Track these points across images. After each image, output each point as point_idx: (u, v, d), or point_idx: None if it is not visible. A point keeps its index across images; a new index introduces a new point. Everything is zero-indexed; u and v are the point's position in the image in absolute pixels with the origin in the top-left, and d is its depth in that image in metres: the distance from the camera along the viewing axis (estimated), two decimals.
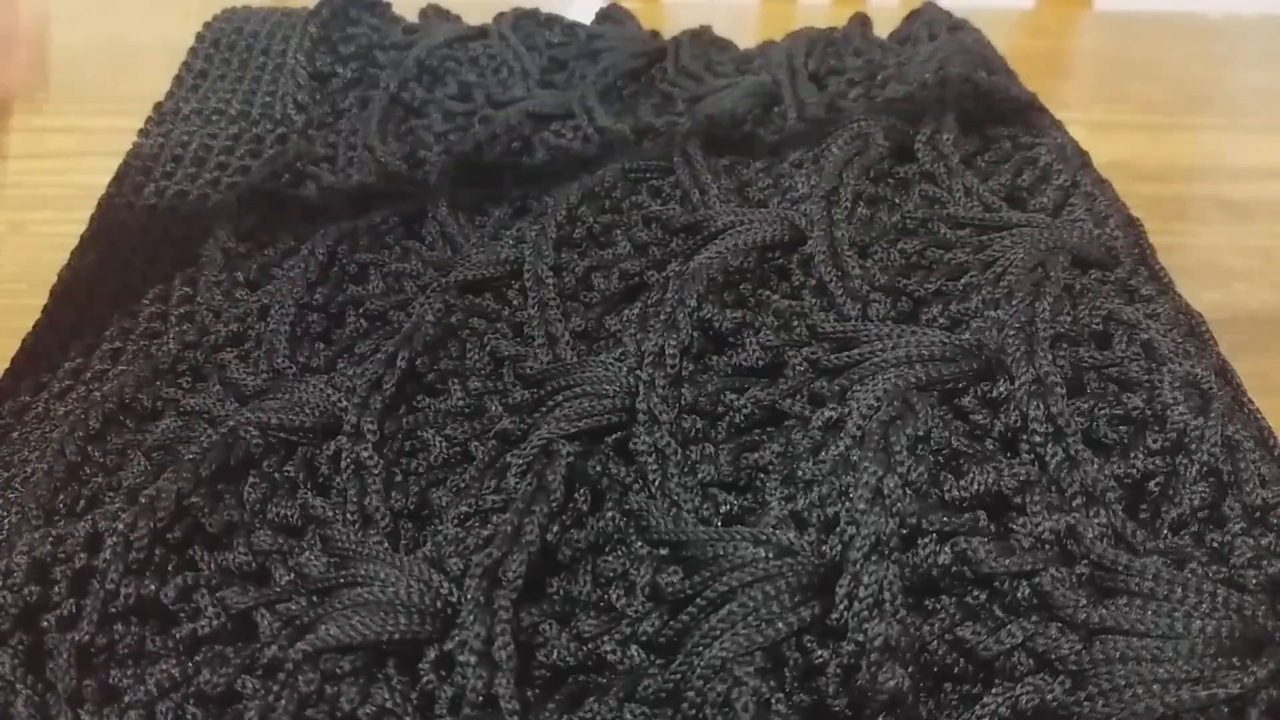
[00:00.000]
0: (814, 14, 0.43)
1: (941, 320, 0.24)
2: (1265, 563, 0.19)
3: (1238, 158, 0.51)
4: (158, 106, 0.39)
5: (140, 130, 0.37)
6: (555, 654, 0.20)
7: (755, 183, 0.31)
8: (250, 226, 0.32)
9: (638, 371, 0.24)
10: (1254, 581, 0.19)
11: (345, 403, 0.24)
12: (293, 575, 0.21)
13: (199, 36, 0.43)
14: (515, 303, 0.28)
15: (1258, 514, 0.20)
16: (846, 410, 0.22)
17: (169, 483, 0.21)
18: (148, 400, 0.25)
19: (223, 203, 0.33)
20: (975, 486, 0.20)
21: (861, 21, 0.42)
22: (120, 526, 0.20)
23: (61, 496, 0.22)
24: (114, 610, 0.20)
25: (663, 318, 0.25)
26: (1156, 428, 0.22)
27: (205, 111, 0.38)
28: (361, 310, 0.28)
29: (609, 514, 0.22)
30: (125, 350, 0.28)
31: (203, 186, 0.35)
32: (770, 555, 0.19)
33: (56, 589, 0.20)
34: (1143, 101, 0.57)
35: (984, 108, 0.34)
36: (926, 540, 0.20)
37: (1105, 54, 0.66)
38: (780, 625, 0.19)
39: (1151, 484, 0.21)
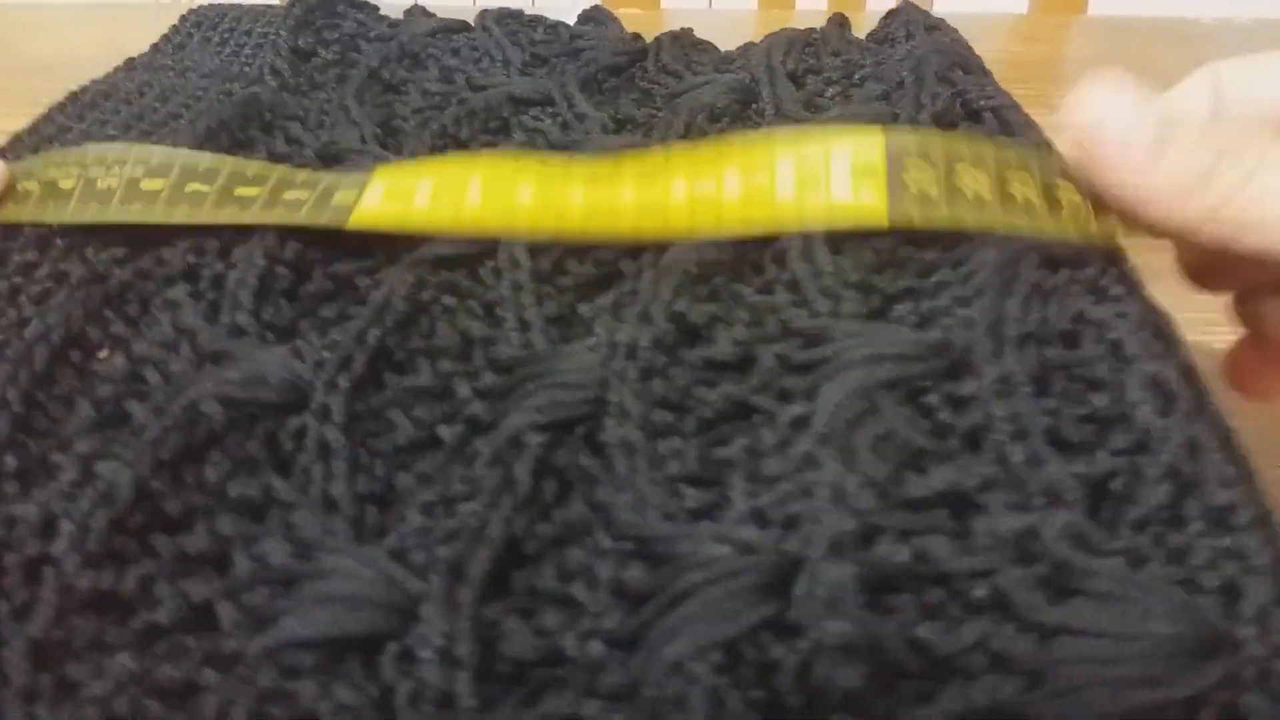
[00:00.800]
0: (811, 19, 0.43)
1: (911, 318, 0.24)
2: (1222, 564, 0.19)
3: None
4: (129, 59, 0.38)
5: (104, 75, 0.37)
6: (517, 649, 0.20)
7: None
8: None
9: (610, 363, 0.24)
10: (1211, 584, 0.19)
11: (311, 377, 0.24)
12: (255, 564, 0.21)
13: (181, 19, 0.43)
14: (489, 282, 0.27)
15: (1217, 515, 0.20)
16: (814, 407, 0.22)
17: (126, 467, 0.21)
18: (96, 334, 0.25)
19: (185, 132, 0.32)
20: (937, 485, 0.20)
21: (840, 22, 0.42)
22: (77, 516, 0.20)
23: (7, 457, 0.22)
24: (70, 603, 0.20)
25: (637, 310, 0.25)
26: (1121, 427, 0.22)
27: (179, 68, 0.38)
28: (329, 270, 0.28)
29: (575, 507, 0.22)
30: (52, 244, 0.27)
31: (164, 117, 0.34)
32: (731, 552, 0.19)
33: (9, 579, 0.20)
34: None
35: (959, 107, 0.33)
36: (886, 539, 0.20)
37: (1098, 59, 0.66)
38: (739, 622, 0.19)
39: (1114, 484, 0.21)
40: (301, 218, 0.28)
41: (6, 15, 0.64)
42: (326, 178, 0.30)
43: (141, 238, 0.28)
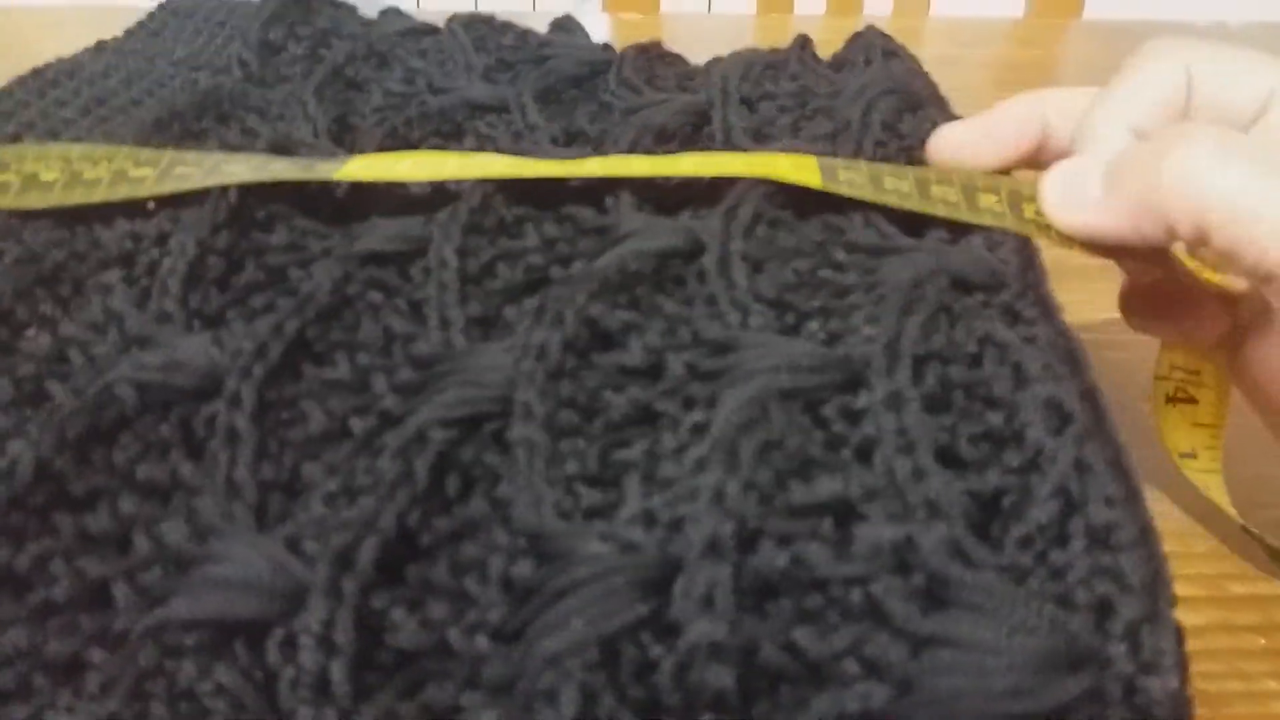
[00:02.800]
0: (809, 25, 0.44)
1: (821, 335, 0.25)
2: (1096, 581, 0.20)
3: None
4: (99, 41, 0.39)
5: (72, 55, 0.37)
6: (402, 639, 0.20)
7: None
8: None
9: (521, 363, 0.24)
10: (1083, 600, 0.19)
11: (228, 364, 0.24)
12: (153, 544, 0.21)
13: (159, 6, 0.44)
14: (417, 280, 0.28)
15: (1099, 534, 0.20)
16: (714, 414, 0.22)
17: (29, 446, 0.21)
18: (24, 313, 0.25)
19: (138, 119, 0.33)
20: (821, 493, 0.21)
21: (802, 44, 0.42)
22: None
23: None
24: None
25: (551, 312, 0.25)
26: (1014, 446, 0.22)
27: (149, 53, 0.39)
28: (261, 261, 0.28)
29: (476, 503, 0.22)
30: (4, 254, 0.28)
31: (125, 102, 0.34)
32: (613, 550, 0.20)
33: None
34: None
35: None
36: (767, 543, 0.20)
37: (1094, 63, 0.67)
38: (615, 620, 0.19)
39: (1004, 501, 0.22)
40: (288, 178, 0.29)
41: (15, 17, 0.65)
42: (308, 160, 0.31)
43: (80, 220, 0.28)
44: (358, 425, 0.24)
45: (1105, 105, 0.28)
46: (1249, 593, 0.28)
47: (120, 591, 0.21)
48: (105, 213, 0.29)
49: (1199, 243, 0.24)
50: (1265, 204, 0.23)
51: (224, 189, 0.29)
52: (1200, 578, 0.28)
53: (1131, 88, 0.27)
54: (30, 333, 0.25)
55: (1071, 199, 0.27)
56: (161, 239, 0.28)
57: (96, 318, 0.26)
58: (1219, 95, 0.27)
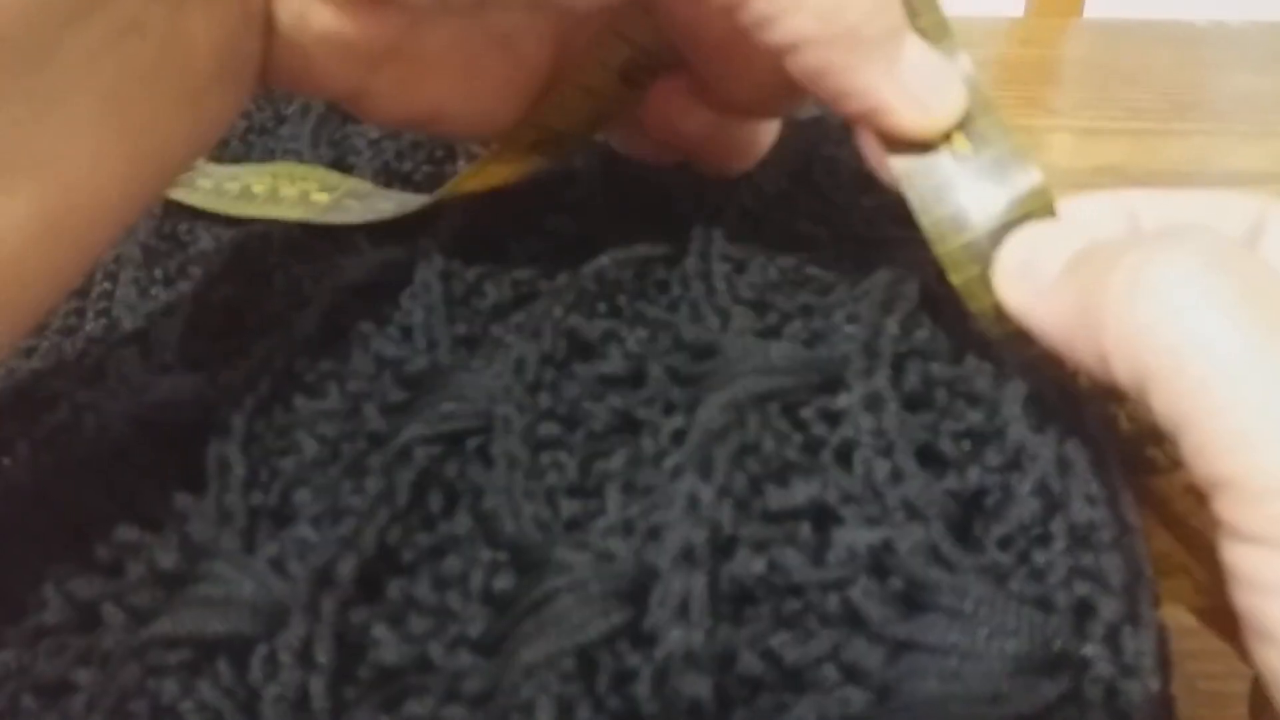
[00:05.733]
0: None
1: (803, 335, 0.25)
2: (1076, 583, 0.19)
3: (1223, 162, 0.52)
4: None
5: None
6: (384, 655, 0.20)
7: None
8: (173, 226, 0.33)
9: (500, 377, 0.24)
10: (1062, 601, 0.19)
11: (220, 399, 0.24)
12: (145, 568, 0.22)
13: None
14: (406, 307, 0.28)
15: (1081, 533, 0.20)
16: (693, 419, 0.22)
17: (27, 472, 0.22)
18: (44, 393, 0.26)
19: None
20: (798, 497, 0.21)
21: None
22: None
23: None
24: None
25: (529, 326, 0.25)
26: (996, 443, 0.22)
27: None
28: (260, 311, 0.28)
29: (460, 518, 0.22)
30: (38, 349, 0.29)
31: None
32: (588, 560, 0.20)
33: None
34: (1130, 108, 0.57)
35: None
36: (743, 550, 0.20)
37: (1094, 61, 0.66)
38: (590, 630, 0.19)
39: (987, 500, 0.21)
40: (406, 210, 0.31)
41: None
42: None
43: (107, 308, 0.30)
44: (348, 449, 0.24)
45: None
46: None
47: (109, 613, 0.21)
48: (127, 299, 0.31)
49: (1139, 399, 0.18)
50: (1243, 376, 0.15)
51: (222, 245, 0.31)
52: None
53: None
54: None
55: (1030, 268, 0.21)
56: (169, 310, 0.29)
57: (111, 385, 0.26)
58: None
